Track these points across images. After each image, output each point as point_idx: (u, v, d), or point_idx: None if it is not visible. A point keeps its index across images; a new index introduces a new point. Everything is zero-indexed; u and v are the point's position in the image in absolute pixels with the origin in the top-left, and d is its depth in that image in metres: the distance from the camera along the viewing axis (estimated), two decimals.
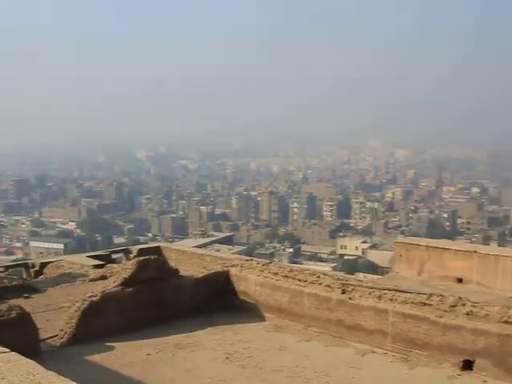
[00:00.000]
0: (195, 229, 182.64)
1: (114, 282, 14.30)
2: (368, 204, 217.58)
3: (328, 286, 14.09)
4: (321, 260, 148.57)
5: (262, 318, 15.10)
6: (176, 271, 15.46)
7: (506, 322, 11.28)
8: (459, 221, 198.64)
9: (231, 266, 16.40)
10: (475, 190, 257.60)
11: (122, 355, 12.51)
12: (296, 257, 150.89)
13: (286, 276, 15.03)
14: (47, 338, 13.05)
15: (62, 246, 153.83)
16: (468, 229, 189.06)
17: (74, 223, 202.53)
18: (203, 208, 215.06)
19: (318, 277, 14.50)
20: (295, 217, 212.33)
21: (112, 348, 12.86)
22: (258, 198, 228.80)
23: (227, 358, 12.53)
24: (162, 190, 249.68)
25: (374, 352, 12.83)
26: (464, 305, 11.95)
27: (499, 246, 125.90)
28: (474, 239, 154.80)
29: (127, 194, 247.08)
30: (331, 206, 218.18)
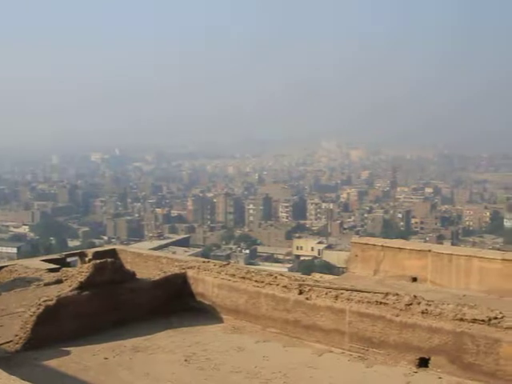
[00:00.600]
0: (151, 231, 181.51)
1: (70, 286, 14.13)
2: (323, 205, 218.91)
3: (285, 286, 14.15)
4: (277, 261, 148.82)
5: (219, 320, 15.10)
6: (133, 274, 15.36)
7: (460, 320, 11.48)
8: (413, 220, 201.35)
9: (188, 268, 16.35)
10: (428, 190, 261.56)
11: (79, 360, 12.37)
12: (252, 258, 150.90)
13: (244, 277, 15.05)
14: (1, 344, 12.83)
15: (15, 250, 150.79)
16: (422, 228, 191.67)
17: (27, 227, 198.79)
18: (159, 210, 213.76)
19: (276, 278, 14.56)
20: (251, 218, 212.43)
21: (68, 353, 12.70)
22: (214, 200, 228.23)
23: (186, 360, 12.50)
24: (117, 193, 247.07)
25: (331, 351, 12.93)
26: (419, 303, 12.12)
27: (452, 245, 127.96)
28: (427, 238, 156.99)
29: (81, 196, 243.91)
30: (287, 207, 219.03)
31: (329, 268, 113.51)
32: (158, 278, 15.84)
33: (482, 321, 11.25)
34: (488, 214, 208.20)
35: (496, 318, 11.18)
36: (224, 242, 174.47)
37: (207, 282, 15.67)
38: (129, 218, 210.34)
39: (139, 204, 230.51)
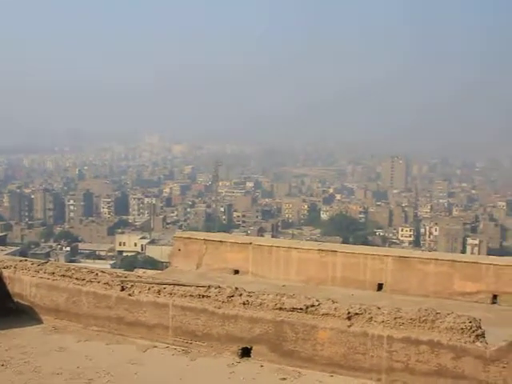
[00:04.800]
0: None
1: None
2: (146, 200, 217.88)
3: (107, 283, 13.87)
4: (99, 258, 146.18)
5: (39, 321, 14.51)
6: None
7: (280, 309, 11.86)
8: (235, 214, 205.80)
9: (4, 268, 15.55)
10: (250, 184, 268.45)
11: None
12: (73, 255, 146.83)
13: (63, 275, 14.57)
14: None
15: None
16: (244, 222, 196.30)
17: None
18: None
19: (97, 275, 14.24)
20: (72, 214, 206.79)
21: None
22: (32, 196, 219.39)
23: (2, 365, 11.88)
24: None
25: (155, 347, 12.86)
26: (240, 295, 12.37)
27: (273, 237, 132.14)
28: (249, 231, 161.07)
29: None
30: (109, 202, 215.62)
31: (152, 263, 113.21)
32: None
33: (300, 309, 11.69)
34: (306, 206, 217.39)
35: (313, 306, 11.66)
36: (43, 240, 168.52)
37: (24, 282, 15.00)
38: None
39: None
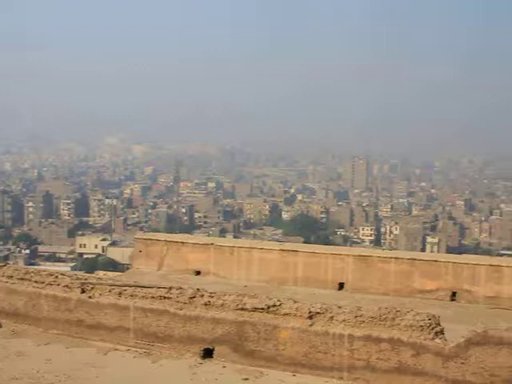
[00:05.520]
0: None
1: None
2: (106, 201, 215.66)
3: (67, 286, 13.73)
4: (60, 260, 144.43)
5: None
6: None
7: (242, 309, 11.88)
8: (197, 215, 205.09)
9: None
10: (211, 184, 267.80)
11: None
12: (33, 258, 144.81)
13: (22, 278, 14.37)
14: None
15: None
16: (205, 222, 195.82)
17: None
18: None
19: (56, 277, 14.08)
20: (31, 216, 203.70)
21: None
22: None
23: None
24: None
25: (116, 349, 12.78)
26: (202, 296, 12.36)
27: (235, 237, 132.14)
28: (211, 232, 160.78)
29: None
30: (69, 204, 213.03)
31: (113, 265, 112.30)
32: None
33: (262, 309, 11.72)
34: (267, 206, 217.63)
35: (274, 306, 11.70)
36: (1, 243, 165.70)
37: None
38: None
39: None
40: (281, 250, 18.25)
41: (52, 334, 13.67)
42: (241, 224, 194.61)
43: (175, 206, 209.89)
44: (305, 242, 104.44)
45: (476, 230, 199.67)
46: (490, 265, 16.43)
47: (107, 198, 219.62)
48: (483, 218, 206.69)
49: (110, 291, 13.25)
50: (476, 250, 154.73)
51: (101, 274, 20.24)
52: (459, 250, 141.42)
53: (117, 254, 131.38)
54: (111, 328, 13.00)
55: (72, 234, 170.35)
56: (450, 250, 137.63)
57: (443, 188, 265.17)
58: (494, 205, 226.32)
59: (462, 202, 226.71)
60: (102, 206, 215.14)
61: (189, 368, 11.76)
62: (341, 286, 17.48)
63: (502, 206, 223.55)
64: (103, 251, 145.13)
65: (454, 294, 16.51)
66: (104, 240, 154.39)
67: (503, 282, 16.08)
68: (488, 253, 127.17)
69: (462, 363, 10.41)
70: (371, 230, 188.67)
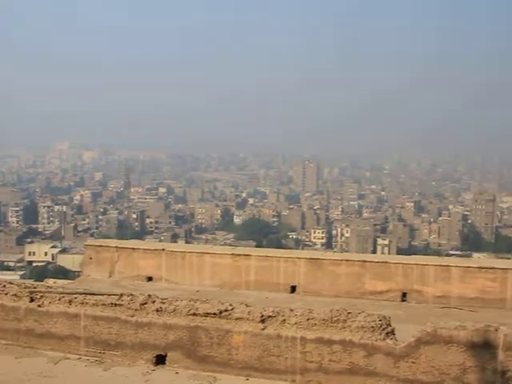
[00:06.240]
0: None
1: None
2: (56, 208, 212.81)
3: (15, 295, 13.47)
4: (8, 269, 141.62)
5: None
6: None
7: (194, 315, 11.83)
8: (148, 220, 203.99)
9: None
10: (162, 190, 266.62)
11: None
12: None
13: None
14: None
15: None
16: (157, 228, 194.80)
17: None
18: None
19: (4, 286, 13.81)
20: None
21: None
22: None
23: None
24: None
25: (67, 358, 12.58)
26: (154, 302, 12.27)
27: (187, 242, 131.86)
28: (162, 238, 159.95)
29: None
30: (17, 211, 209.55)
31: (64, 273, 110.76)
32: None
33: (214, 314, 11.70)
34: (219, 211, 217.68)
35: (227, 310, 11.69)
36: None
37: None
38: None
39: None
40: (233, 254, 18.25)
41: (0, 344, 13.41)
42: (192, 229, 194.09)
43: (126, 212, 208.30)
44: (257, 246, 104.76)
45: (425, 231, 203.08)
46: (439, 265, 16.70)
47: (57, 204, 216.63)
48: (432, 220, 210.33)
49: (59, 299, 13.05)
50: (425, 250, 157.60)
51: (51, 281, 19.92)
52: (409, 251, 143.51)
53: (67, 261, 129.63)
54: (61, 337, 12.81)
55: (21, 241, 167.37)
56: (400, 252, 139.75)
57: (393, 190, 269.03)
58: (443, 206, 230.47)
59: (412, 204, 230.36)
60: (51, 213, 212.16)
61: (141, 375, 11.66)
62: (293, 289, 17.55)
63: (451, 207, 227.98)
64: (53, 259, 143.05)
65: (404, 294, 16.73)
66: (54, 247, 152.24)
67: (452, 282, 16.36)
68: (437, 253, 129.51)
69: (413, 362, 10.55)
70: (323, 232, 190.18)
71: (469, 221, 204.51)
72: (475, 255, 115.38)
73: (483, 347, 10.28)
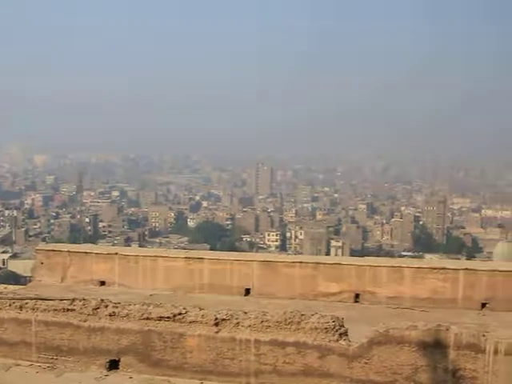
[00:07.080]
0: None
1: None
2: (7, 212, 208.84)
3: None
4: None
5: None
6: None
7: (147, 319, 11.77)
8: (101, 224, 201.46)
9: None
10: (115, 193, 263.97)
11: None
12: None
13: None
14: None
15: None
16: (110, 232, 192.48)
17: None
18: None
19: None
20: None
21: None
22: None
23: None
24: None
25: (18, 365, 12.40)
26: (106, 306, 12.17)
27: (140, 246, 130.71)
28: (116, 242, 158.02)
29: None
30: None
31: (15, 278, 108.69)
32: None
33: (168, 318, 11.66)
34: (173, 214, 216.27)
35: (180, 314, 11.66)
36: None
37: None
38: None
39: None
40: (186, 257, 18.19)
41: None
42: (146, 232, 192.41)
43: (78, 216, 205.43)
44: (211, 249, 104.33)
45: (378, 232, 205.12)
46: (391, 266, 16.91)
47: (7, 208, 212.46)
48: (384, 221, 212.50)
49: (10, 305, 12.84)
50: (378, 252, 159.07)
51: (1, 287, 19.54)
52: (362, 252, 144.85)
53: (18, 266, 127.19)
54: (12, 343, 12.61)
55: None
56: (353, 253, 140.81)
57: (346, 192, 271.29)
58: (395, 208, 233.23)
59: (364, 206, 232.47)
60: (1, 218, 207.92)
61: (95, 380, 11.56)
62: (247, 291, 17.57)
63: (403, 208, 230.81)
64: (4, 264, 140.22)
65: (357, 295, 16.89)
66: (4, 252, 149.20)
67: (404, 283, 16.58)
68: (390, 254, 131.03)
69: (366, 363, 10.67)
70: (277, 235, 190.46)
71: (420, 222, 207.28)
72: (427, 256, 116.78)
73: (434, 347, 10.46)
